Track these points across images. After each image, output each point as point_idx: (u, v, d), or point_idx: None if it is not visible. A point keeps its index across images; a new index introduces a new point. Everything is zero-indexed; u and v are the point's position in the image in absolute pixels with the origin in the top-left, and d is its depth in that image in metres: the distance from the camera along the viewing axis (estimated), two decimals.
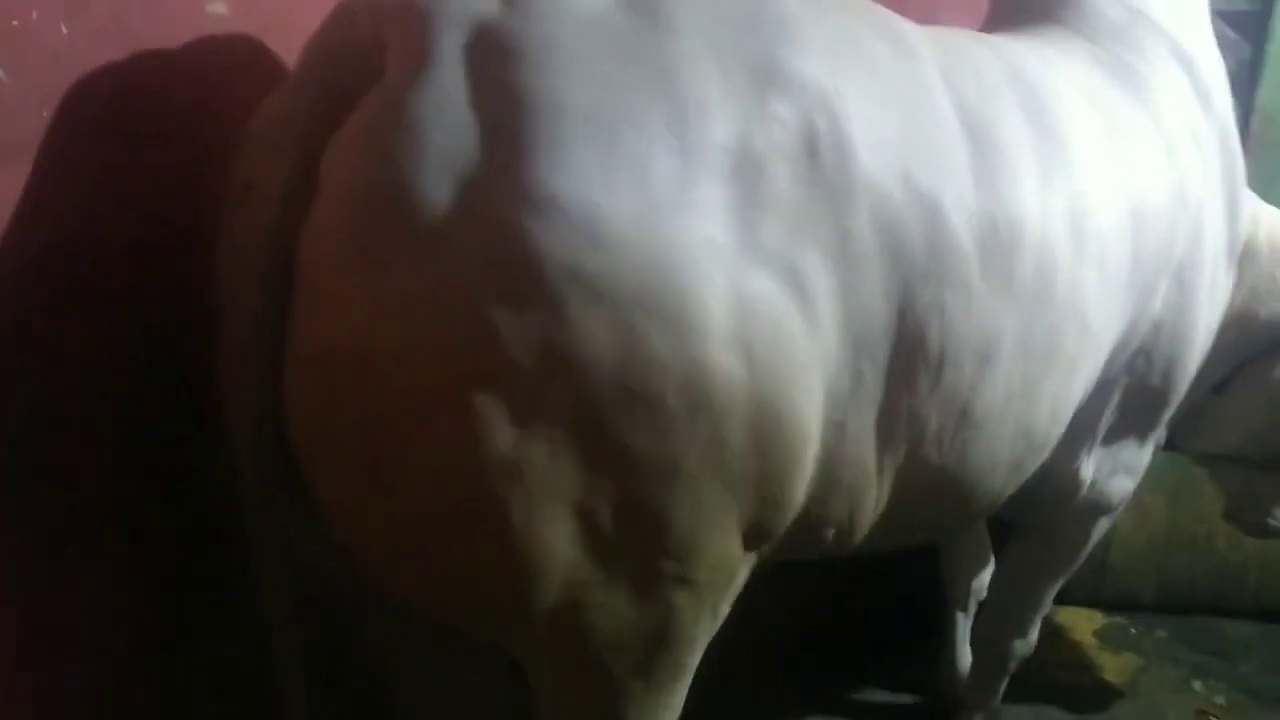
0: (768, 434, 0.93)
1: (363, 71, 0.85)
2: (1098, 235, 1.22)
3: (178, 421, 1.11)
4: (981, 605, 2.04)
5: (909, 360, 1.04)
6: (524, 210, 0.80)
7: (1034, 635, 1.87)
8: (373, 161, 0.82)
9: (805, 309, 0.93)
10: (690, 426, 0.88)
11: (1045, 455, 1.34)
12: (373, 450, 0.85)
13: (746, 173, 0.89)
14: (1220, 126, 1.46)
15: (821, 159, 0.94)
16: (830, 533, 1.12)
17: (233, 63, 1.15)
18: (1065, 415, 1.32)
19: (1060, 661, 2.45)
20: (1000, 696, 1.97)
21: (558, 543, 0.89)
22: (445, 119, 0.81)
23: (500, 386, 0.82)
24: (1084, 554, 1.74)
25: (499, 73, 0.82)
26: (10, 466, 0.95)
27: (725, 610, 1.07)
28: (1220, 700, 2.34)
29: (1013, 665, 1.89)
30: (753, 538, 1.00)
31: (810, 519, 1.07)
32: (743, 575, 1.05)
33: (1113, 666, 2.44)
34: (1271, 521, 1.98)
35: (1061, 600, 2.58)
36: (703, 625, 1.03)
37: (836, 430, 1.02)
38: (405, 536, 0.90)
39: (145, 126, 1.02)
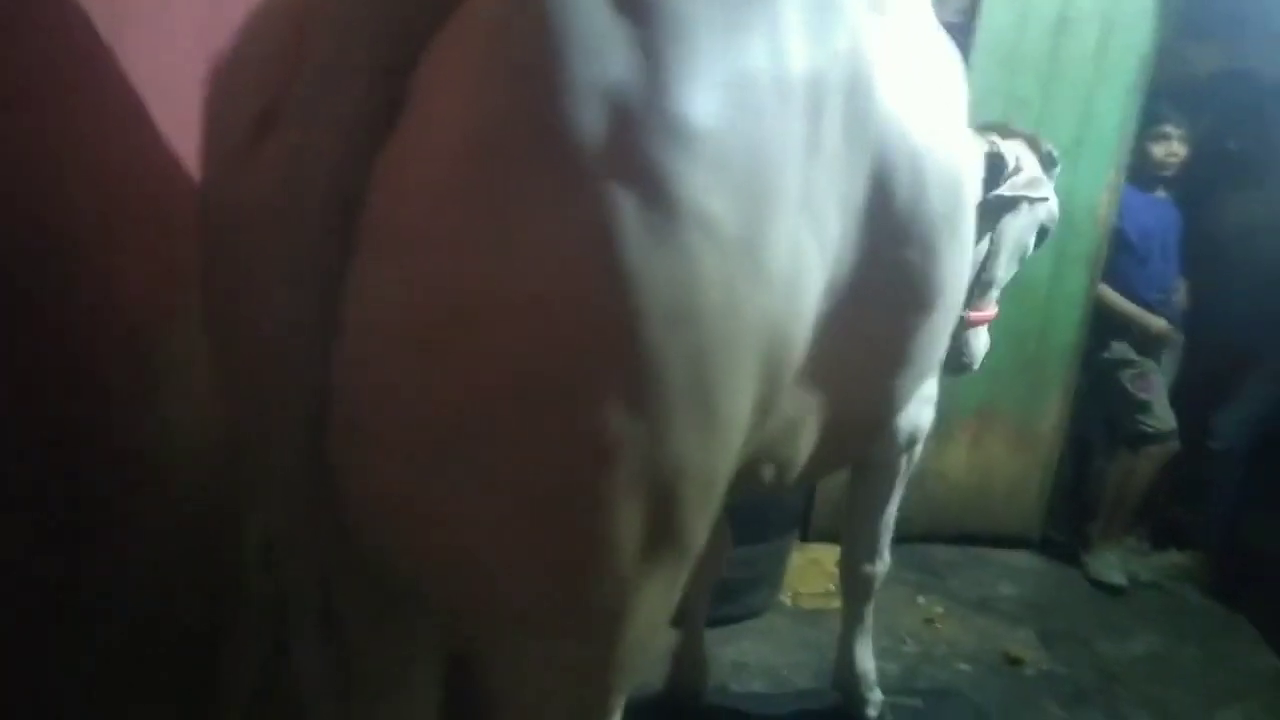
0: (778, 393, 0.89)
1: None
2: None
3: None
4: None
5: (860, 307, 1.00)
6: (670, 146, 0.69)
7: (888, 556, 2.07)
8: (512, 79, 0.68)
9: (821, 264, 0.88)
10: (756, 386, 0.81)
11: None
12: (462, 423, 0.72)
13: (813, 114, 0.81)
14: None
15: (855, 102, 0.88)
16: (769, 469, 1.16)
17: None
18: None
19: (814, 591, 2.81)
20: (869, 618, 2.15)
21: (629, 534, 0.78)
22: (589, 32, 0.68)
23: (629, 349, 0.70)
24: (905, 479, 2.00)
25: None
26: None
27: None
28: (939, 610, 2.82)
29: (876, 586, 2.08)
30: None
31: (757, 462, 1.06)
32: None
33: None
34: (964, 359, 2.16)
35: (813, 539, 2.98)
36: None
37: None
38: (473, 526, 0.76)
39: None
